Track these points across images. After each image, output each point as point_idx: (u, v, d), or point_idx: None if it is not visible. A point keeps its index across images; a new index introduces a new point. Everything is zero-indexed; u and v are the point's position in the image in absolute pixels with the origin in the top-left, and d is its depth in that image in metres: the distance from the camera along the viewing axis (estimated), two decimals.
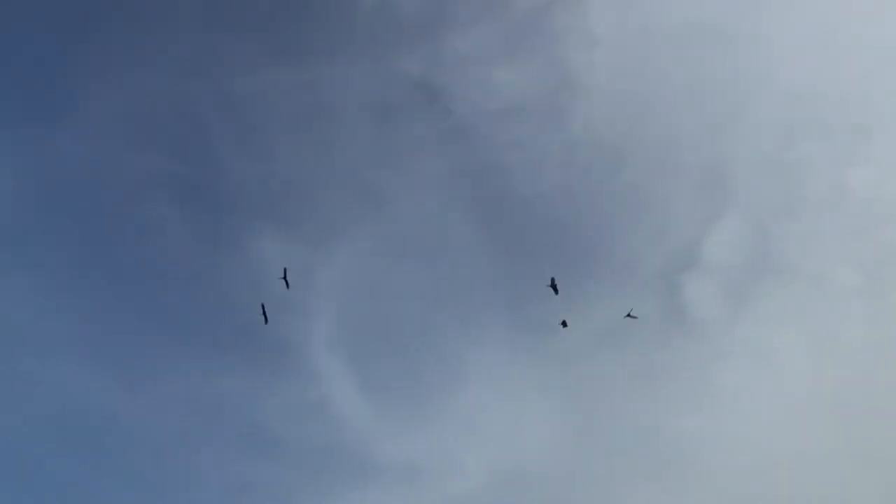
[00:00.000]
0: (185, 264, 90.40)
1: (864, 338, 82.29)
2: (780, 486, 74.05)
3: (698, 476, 76.62)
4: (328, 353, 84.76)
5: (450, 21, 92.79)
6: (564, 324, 63.75)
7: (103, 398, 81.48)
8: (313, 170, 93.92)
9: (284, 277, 59.28)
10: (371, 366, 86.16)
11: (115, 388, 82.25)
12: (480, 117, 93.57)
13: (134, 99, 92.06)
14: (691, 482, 76.49)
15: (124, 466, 79.76)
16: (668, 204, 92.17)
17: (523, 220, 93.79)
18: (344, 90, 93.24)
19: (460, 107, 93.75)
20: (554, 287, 61.01)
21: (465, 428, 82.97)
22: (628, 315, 64.15)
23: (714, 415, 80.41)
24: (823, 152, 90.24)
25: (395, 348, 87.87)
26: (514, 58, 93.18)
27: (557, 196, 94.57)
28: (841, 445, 76.00)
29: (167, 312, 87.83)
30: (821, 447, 75.81)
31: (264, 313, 59.35)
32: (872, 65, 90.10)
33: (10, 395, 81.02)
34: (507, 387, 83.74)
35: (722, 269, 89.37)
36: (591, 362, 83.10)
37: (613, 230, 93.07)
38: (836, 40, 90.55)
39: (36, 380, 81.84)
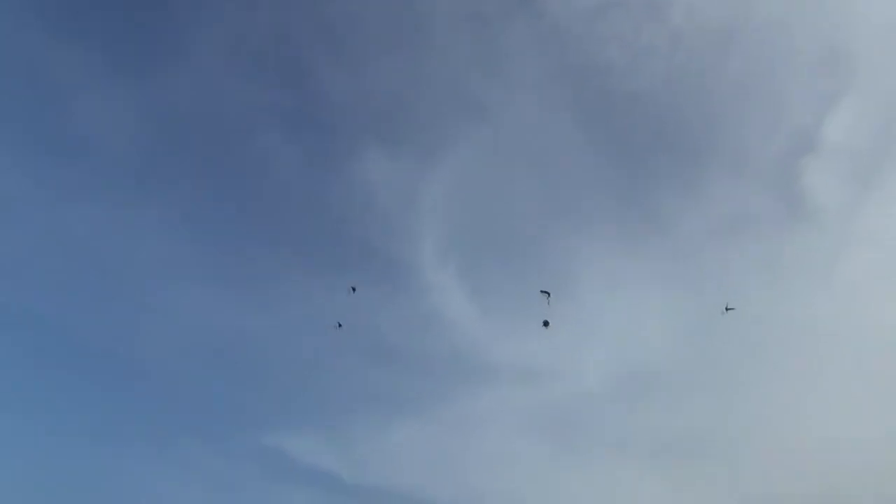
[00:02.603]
0: (299, 189, 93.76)
1: None
2: None
3: (826, 365, 74.78)
4: (439, 264, 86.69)
5: None
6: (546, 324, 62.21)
7: (234, 319, 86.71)
8: (413, 85, 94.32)
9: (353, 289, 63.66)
10: (482, 274, 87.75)
11: (245, 309, 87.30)
12: (576, 15, 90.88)
13: (236, 34, 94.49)
14: (818, 372, 74.79)
15: (257, 380, 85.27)
16: (783, 88, 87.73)
17: (628, 117, 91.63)
18: (435, 1, 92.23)
19: (554, 5, 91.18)
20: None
21: (580, 329, 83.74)
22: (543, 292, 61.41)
23: (840, 304, 77.74)
24: None
25: (505, 256, 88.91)
26: None
27: (662, 90, 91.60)
28: None
29: (286, 236, 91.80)
30: None
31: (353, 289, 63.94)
32: None
33: (150, 321, 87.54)
34: (621, 286, 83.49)
35: (843, 153, 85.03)
36: (708, 255, 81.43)
37: (725, 120, 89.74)
38: None
39: (172, 306, 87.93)
